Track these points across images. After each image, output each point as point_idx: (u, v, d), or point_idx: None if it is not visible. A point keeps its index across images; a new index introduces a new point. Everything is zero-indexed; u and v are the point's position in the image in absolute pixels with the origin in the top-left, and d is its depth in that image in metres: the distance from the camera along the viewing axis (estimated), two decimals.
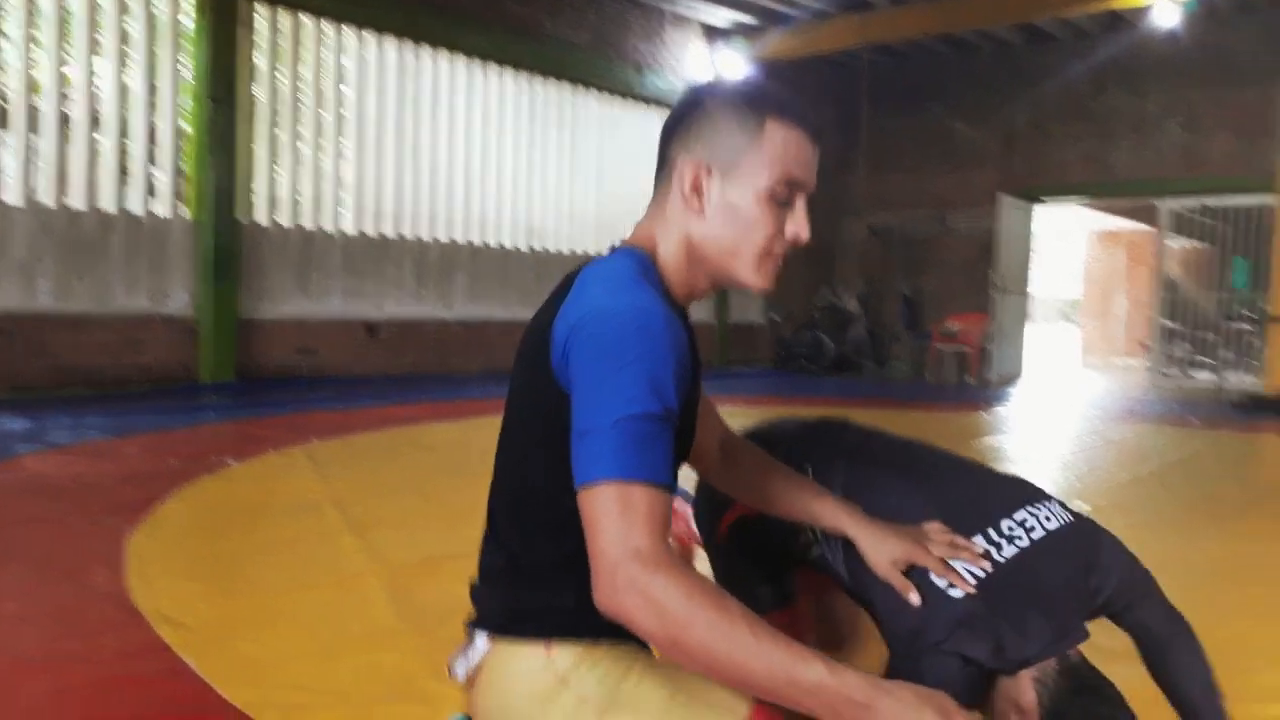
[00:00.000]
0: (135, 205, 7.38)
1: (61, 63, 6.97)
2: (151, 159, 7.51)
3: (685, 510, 2.15)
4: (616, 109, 11.23)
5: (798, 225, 1.24)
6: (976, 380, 11.31)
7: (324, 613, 2.54)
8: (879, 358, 12.43)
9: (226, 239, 7.71)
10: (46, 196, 6.91)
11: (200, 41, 7.56)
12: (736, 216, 1.21)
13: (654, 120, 11.57)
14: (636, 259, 1.23)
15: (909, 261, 12.38)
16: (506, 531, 1.26)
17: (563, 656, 1.19)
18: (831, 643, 1.80)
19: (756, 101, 1.22)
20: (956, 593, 1.32)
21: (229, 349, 7.78)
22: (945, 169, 12.22)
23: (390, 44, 9.04)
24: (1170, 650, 1.49)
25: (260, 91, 8.06)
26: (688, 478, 1.35)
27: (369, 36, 8.86)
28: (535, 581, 1.22)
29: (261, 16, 8.01)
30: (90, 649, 2.19)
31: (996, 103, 12.01)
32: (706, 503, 1.75)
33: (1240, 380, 11.74)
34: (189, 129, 7.67)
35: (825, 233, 12.47)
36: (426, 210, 9.48)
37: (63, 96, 6.98)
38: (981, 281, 11.93)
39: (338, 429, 5.59)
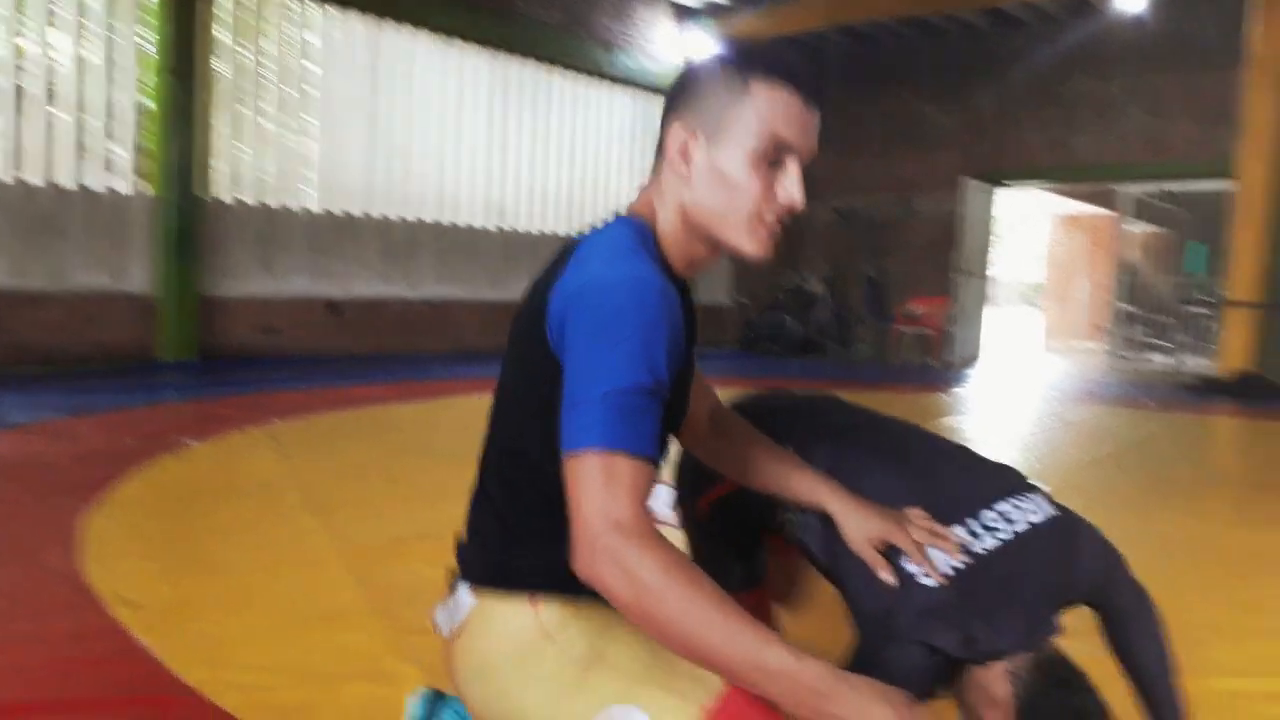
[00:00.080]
0: (94, 181, 7.26)
1: (16, 34, 6.83)
2: (110, 134, 7.39)
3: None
4: (586, 89, 11.18)
5: (789, 189, 1.20)
6: (938, 362, 11.42)
7: (285, 593, 2.53)
8: (843, 339, 12.52)
9: (188, 216, 7.61)
10: (2, 172, 6.78)
11: (161, 14, 7.44)
12: (724, 181, 1.19)
13: (624, 100, 11.54)
14: (635, 228, 1.23)
15: (873, 244, 12.45)
16: (497, 494, 1.28)
17: (548, 612, 1.20)
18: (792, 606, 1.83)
19: (742, 62, 1.20)
20: (929, 581, 1.31)
21: (190, 327, 7.70)
22: (910, 152, 12.28)
23: (356, 19, 8.92)
24: (1133, 626, 1.50)
25: (223, 66, 7.94)
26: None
27: (334, 11, 8.74)
28: (524, 540, 1.23)
29: None
30: (42, 630, 2.18)
31: (962, 87, 12.07)
32: (689, 479, 1.75)
33: (1195, 363, 11.95)
34: (150, 104, 7.55)
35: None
36: (392, 189, 9.39)
37: (18, 69, 6.84)
38: (944, 264, 12.03)
39: (301, 409, 5.56)
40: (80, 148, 7.21)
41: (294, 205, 8.60)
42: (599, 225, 1.27)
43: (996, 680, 1.32)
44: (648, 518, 1.06)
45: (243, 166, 8.23)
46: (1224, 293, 10.00)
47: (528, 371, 1.22)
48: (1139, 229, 14.54)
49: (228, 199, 8.08)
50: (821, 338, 12.36)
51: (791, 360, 11.35)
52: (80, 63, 7.17)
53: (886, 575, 1.36)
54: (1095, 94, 11.20)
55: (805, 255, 13.06)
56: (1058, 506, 1.45)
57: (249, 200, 8.26)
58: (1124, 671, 1.52)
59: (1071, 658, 1.37)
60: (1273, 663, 2.27)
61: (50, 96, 7.02)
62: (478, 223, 10.19)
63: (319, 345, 8.68)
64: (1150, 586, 1.48)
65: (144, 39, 7.50)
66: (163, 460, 4.00)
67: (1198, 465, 5.68)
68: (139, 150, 7.55)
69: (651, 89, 11.57)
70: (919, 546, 1.36)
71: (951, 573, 1.31)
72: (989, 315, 13.25)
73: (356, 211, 9.08)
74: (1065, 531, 1.42)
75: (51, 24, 6.99)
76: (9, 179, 6.79)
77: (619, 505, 1.04)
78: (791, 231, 12.76)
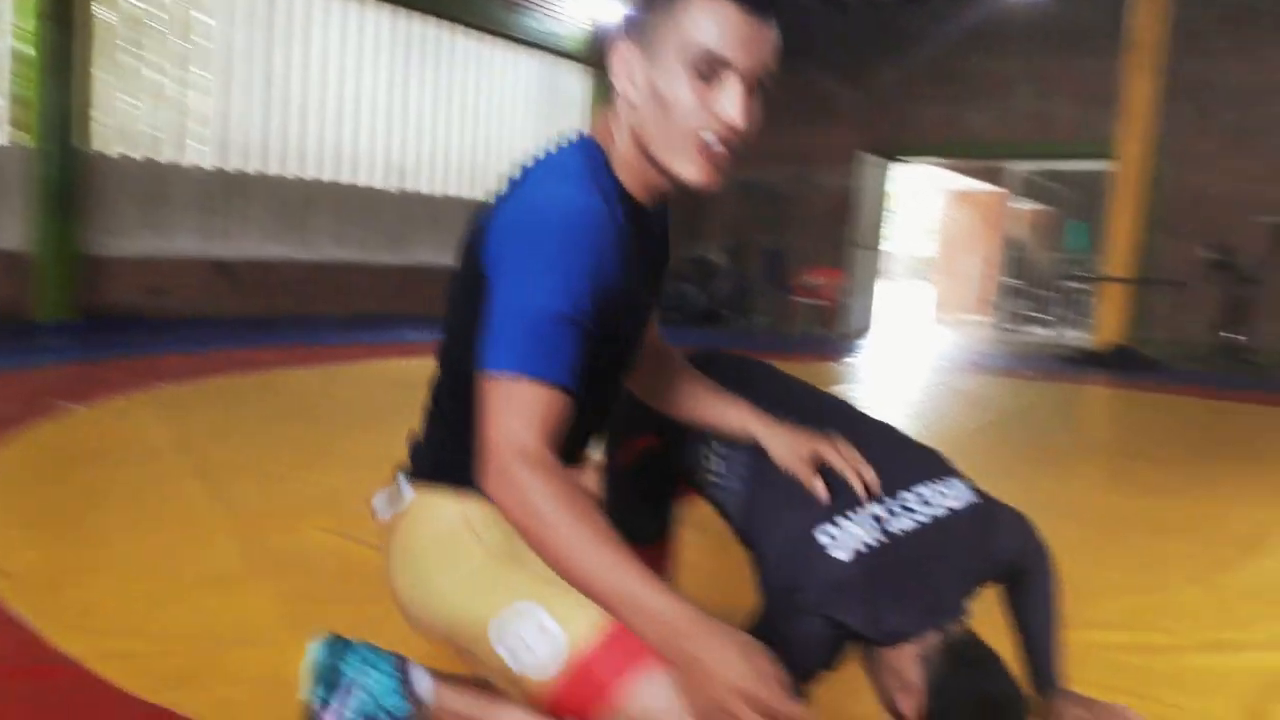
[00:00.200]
0: None
1: None
2: None
3: None
4: (490, 50, 10.98)
5: (725, 107, 1.13)
6: (833, 332, 11.68)
7: (168, 560, 2.48)
8: (743, 310, 12.68)
9: (67, 169, 7.26)
10: None
11: None
12: (660, 100, 1.14)
13: (529, 63, 11.39)
14: (586, 152, 1.22)
15: (773, 216, 12.61)
16: (444, 402, 1.31)
17: (476, 509, 1.24)
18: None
19: None
20: (841, 554, 1.30)
21: (70, 286, 7.37)
22: (810, 126, 12.45)
23: None
24: (1033, 588, 1.55)
25: (106, 13, 7.57)
26: None
27: None
28: (463, 443, 1.24)
29: None
30: None
31: (862, 62, 12.26)
32: (618, 425, 1.73)
33: (1074, 336, 12.49)
34: (27, 50, 7.15)
35: None
36: (287, 146, 9.11)
37: None
38: (840, 237, 12.28)
39: (188, 373, 5.39)
40: None
41: (182, 161, 8.27)
42: (553, 147, 1.25)
43: (908, 664, 1.33)
44: (551, 446, 1.09)
45: (128, 119, 7.87)
46: (1101, 269, 10.46)
47: (467, 290, 1.23)
48: (1025, 207, 15.06)
49: (111, 153, 7.73)
50: (722, 308, 12.50)
51: (693, 330, 11.46)
52: None
53: (820, 489, 1.39)
54: (988, 74, 11.51)
55: (707, 226, 13.16)
56: (979, 494, 1.47)
57: (134, 155, 7.91)
58: (1013, 626, 1.58)
59: (983, 640, 1.38)
60: (1133, 616, 2.42)
61: None
62: (376, 183, 9.97)
63: (209, 307, 8.41)
64: None
65: None
66: (40, 425, 3.84)
67: (1073, 433, 5.96)
68: (15, 100, 7.16)
69: (558, 52, 11.45)
70: (848, 464, 1.40)
71: (864, 549, 1.31)
72: (882, 288, 13.60)
73: (248, 169, 8.79)
74: (983, 519, 1.44)
75: None
76: None
77: (522, 431, 1.07)
78: (694, 203, 12.82)
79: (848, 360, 8.91)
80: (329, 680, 1.43)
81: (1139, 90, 9.65)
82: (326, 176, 9.47)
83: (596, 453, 1.68)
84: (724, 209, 12.90)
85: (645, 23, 1.16)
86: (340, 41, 9.45)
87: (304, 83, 9.18)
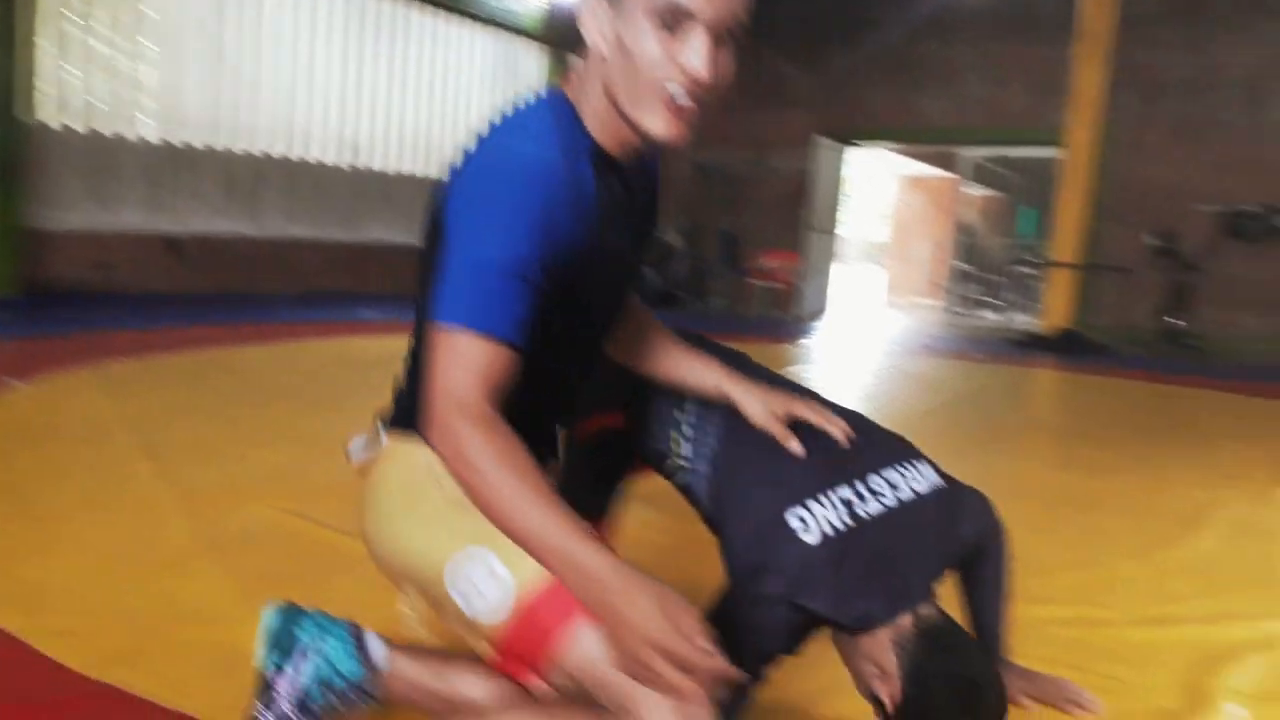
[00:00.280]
0: None
1: None
2: None
3: None
4: (446, 26, 10.84)
5: (690, 57, 1.11)
6: (788, 315, 11.76)
7: (114, 538, 2.44)
8: (699, 292, 12.72)
9: (9, 140, 7.06)
10: None
11: None
12: (626, 52, 1.13)
13: (485, 41, 11.26)
14: (553, 106, 1.21)
15: (729, 199, 12.64)
16: (419, 351, 1.31)
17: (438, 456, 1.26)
18: None
19: None
20: (809, 537, 1.31)
21: (11, 260, 7.18)
22: (766, 109, 12.47)
23: None
24: (988, 566, 1.59)
25: None
26: None
27: None
28: None
29: None
30: None
31: (818, 46, 12.29)
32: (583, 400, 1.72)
33: (1023, 320, 12.69)
34: None
35: None
36: (237, 121, 8.93)
37: None
38: (795, 221, 12.34)
39: (136, 349, 5.30)
40: None
41: (129, 134, 8.09)
42: (519, 104, 1.25)
43: (883, 650, 1.34)
44: (491, 400, 1.11)
45: (72, 90, 7.67)
46: (1049, 255, 10.63)
47: (431, 244, 1.24)
48: (976, 192, 15.25)
49: (54, 124, 7.54)
50: (678, 290, 12.52)
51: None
52: None
53: (795, 446, 1.41)
54: (941, 60, 11.59)
55: (664, 208, 13.14)
56: (944, 477, 1.49)
57: (78, 127, 7.72)
58: (965, 601, 1.61)
59: (956, 623, 1.40)
60: (1074, 591, 2.48)
61: None
62: (328, 159, 9.82)
63: (157, 284, 8.24)
64: None
65: None
66: None
67: (1021, 414, 6.07)
68: None
69: (514, 30, 11.35)
70: (821, 416, 1.44)
71: (832, 533, 1.32)
72: (837, 272, 13.70)
73: (197, 143, 8.61)
74: (949, 502, 1.47)
75: None
76: None
77: (461, 384, 1.10)
78: None
79: (802, 342, 8.98)
80: (283, 646, 1.43)
81: (1088, 79, 9.80)
82: (278, 152, 9.32)
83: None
84: (680, 191, 12.89)
85: None
86: (293, 14, 9.28)
87: (256, 56, 9.00)
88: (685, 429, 1.56)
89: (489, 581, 1.17)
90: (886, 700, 1.34)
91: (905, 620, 1.34)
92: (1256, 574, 2.73)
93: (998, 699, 1.33)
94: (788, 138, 12.38)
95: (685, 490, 1.57)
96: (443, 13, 10.69)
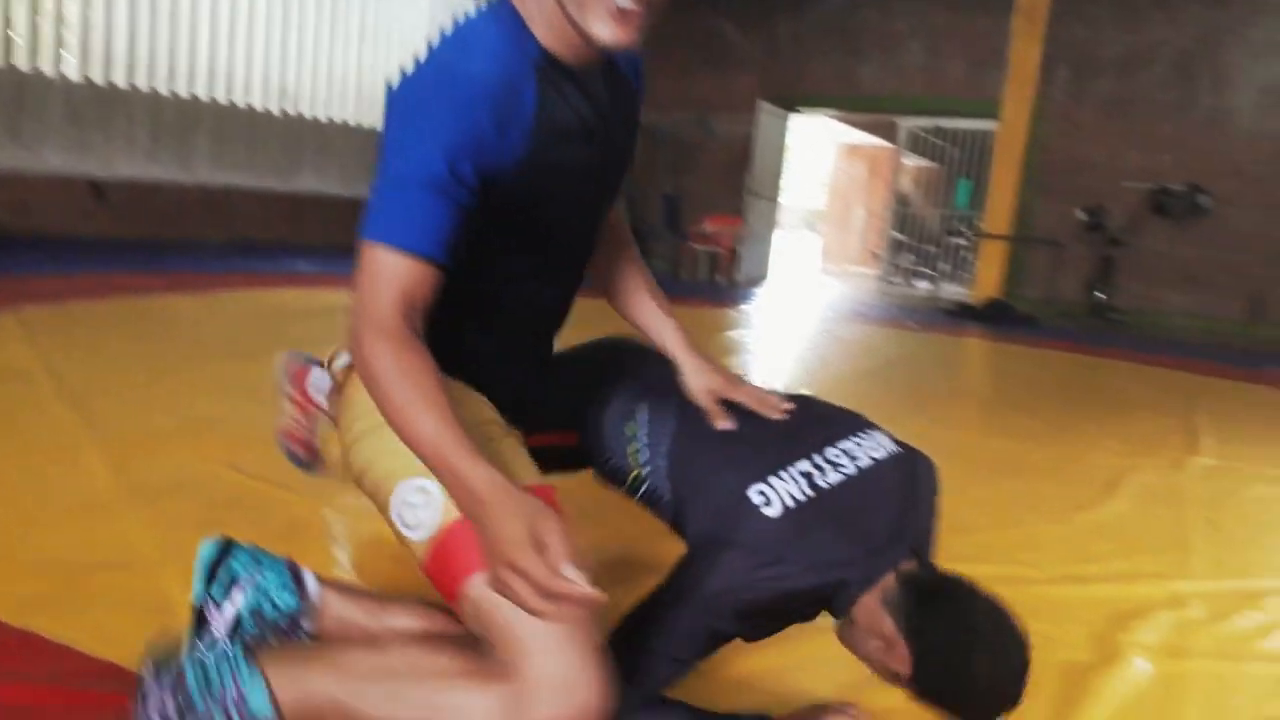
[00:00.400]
0: None
1: None
2: None
3: (309, 373, 2.17)
4: None
5: None
6: (727, 280, 11.80)
7: (33, 483, 2.37)
8: (641, 254, 12.70)
9: None
10: None
11: None
12: None
13: None
14: (499, 19, 1.20)
15: (671, 162, 12.60)
16: None
17: None
18: None
19: None
20: (771, 511, 1.32)
21: None
22: (710, 72, 12.43)
23: None
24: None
25: None
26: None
27: None
28: None
29: None
30: None
31: (763, 10, 12.25)
32: (536, 410, 1.68)
33: (954, 290, 12.91)
34: None
35: None
36: (164, 60, 8.63)
37: None
38: (738, 186, 12.35)
39: (55, 295, 5.13)
40: None
41: (49, 70, 7.77)
42: (462, 17, 1.23)
43: (877, 618, 1.32)
44: (404, 314, 1.11)
45: None
46: (982, 226, 10.81)
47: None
48: (913, 162, 15.41)
49: None
50: None
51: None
52: None
53: (723, 423, 1.43)
54: (882, 28, 11.63)
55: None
56: (899, 443, 1.52)
57: None
58: None
59: (937, 566, 1.40)
60: (995, 551, 2.55)
61: None
62: (259, 104, 9.55)
63: (79, 228, 7.97)
64: None
65: None
66: None
67: (948, 379, 6.20)
68: None
69: None
70: (760, 402, 1.46)
71: (793, 504, 1.33)
72: (777, 238, 13.76)
73: (122, 82, 8.30)
74: (907, 465, 1.49)
75: None
76: None
77: (374, 299, 1.10)
78: None
79: (741, 307, 9.03)
80: (219, 577, 1.42)
81: (1024, 53, 9.93)
82: (205, 94, 9.01)
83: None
84: None
85: None
86: None
87: None
88: (640, 438, 1.55)
89: (422, 500, 1.21)
90: (902, 670, 1.31)
91: (889, 580, 1.34)
92: (1168, 537, 2.83)
93: (1005, 627, 1.30)
94: (732, 102, 12.35)
95: (650, 500, 1.54)
96: None
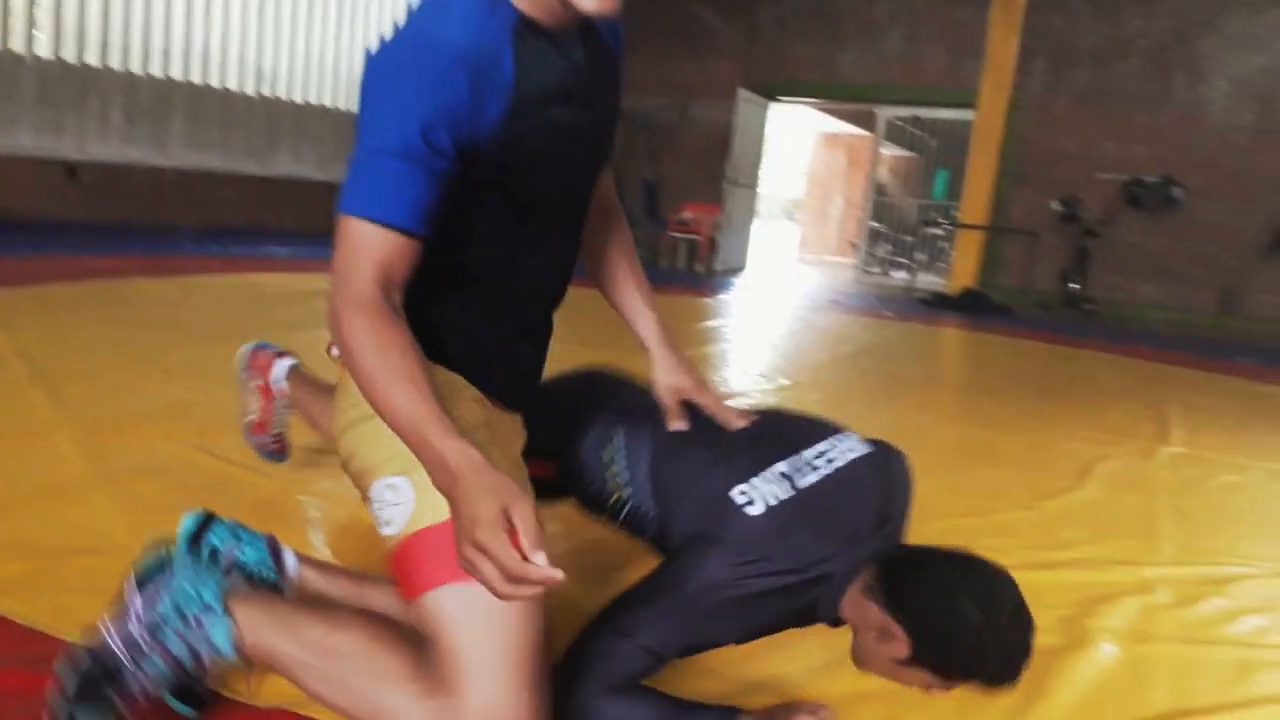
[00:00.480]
0: None
1: None
2: None
3: (274, 363, 2.18)
4: None
5: None
6: (704, 268, 11.81)
7: (2, 466, 2.35)
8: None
9: None
10: None
11: None
12: None
13: None
14: None
15: (651, 148, 12.58)
16: None
17: None
18: None
19: None
20: (754, 510, 1.35)
21: None
22: (690, 58, 12.39)
23: None
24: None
25: None
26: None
27: None
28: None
29: None
30: None
31: None
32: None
33: (931, 280, 12.98)
34: None
35: None
36: (139, 40, 8.51)
37: None
38: (717, 173, 12.33)
39: (29, 278, 5.08)
40: None
41: (20, 48, 7.65)
42: None
43: (865, 610, 1.34)
44: (380, 287, 1.10)
45: None
46: (959, 216, 10.86)
47: None
48: (891, 152, 15.46)
49: None
50: None
51: None
52: None
53: (678, 424, 1.46)
54: (862, 15, 11.63)
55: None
56: (871, 442, 1.56)
57: None
58: None
59: (918, 546, 1.41)
60: (965, 536, 2.52)
61: None
62: (235, 86, 9.44)
63: (52, 211, 7.88)
64: None
65: None
66: None
67: (923, 367, 6.24)
68: None
69: None
70: (717, 406, 1.48)
71: (774, 503, 1.36)
72: (756, 228, 13.76)
73: (96, 62, 8.18)
74: (881, 461, 1.53)
75: None
76: None
77: (351, 273, 1.09)
78: None
79: (719, 296, 9.05)
80: (198, 551, 1.47)
81: (1002, 43, 9.97)
82: (180, 75, 8.91)
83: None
84: None
85: None
86: None
87: None
88: (619, 461, 1.56)
89: (392, 500, 1.22)
90: (903, 655, 1.31)
91: (870, 570, 1.36)
92: (1137, 524, 2.87)
93: (985, 572, 1.31)
94: (712, 88, 12.32)
95: (634, 521, 1.55)
96: None
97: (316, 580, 1.50)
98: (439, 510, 1.15)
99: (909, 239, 14.40)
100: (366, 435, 1.27)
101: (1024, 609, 1.31)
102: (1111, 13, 10.34)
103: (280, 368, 2.20)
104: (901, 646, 1.30)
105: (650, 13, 12.33)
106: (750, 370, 4.86)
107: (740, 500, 1.36)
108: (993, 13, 9.95)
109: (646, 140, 12.49)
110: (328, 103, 10.31)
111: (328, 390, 2.10)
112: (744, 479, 1.39)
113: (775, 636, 1.49)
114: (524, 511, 0.99)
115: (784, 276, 12.76)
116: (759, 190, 13.37)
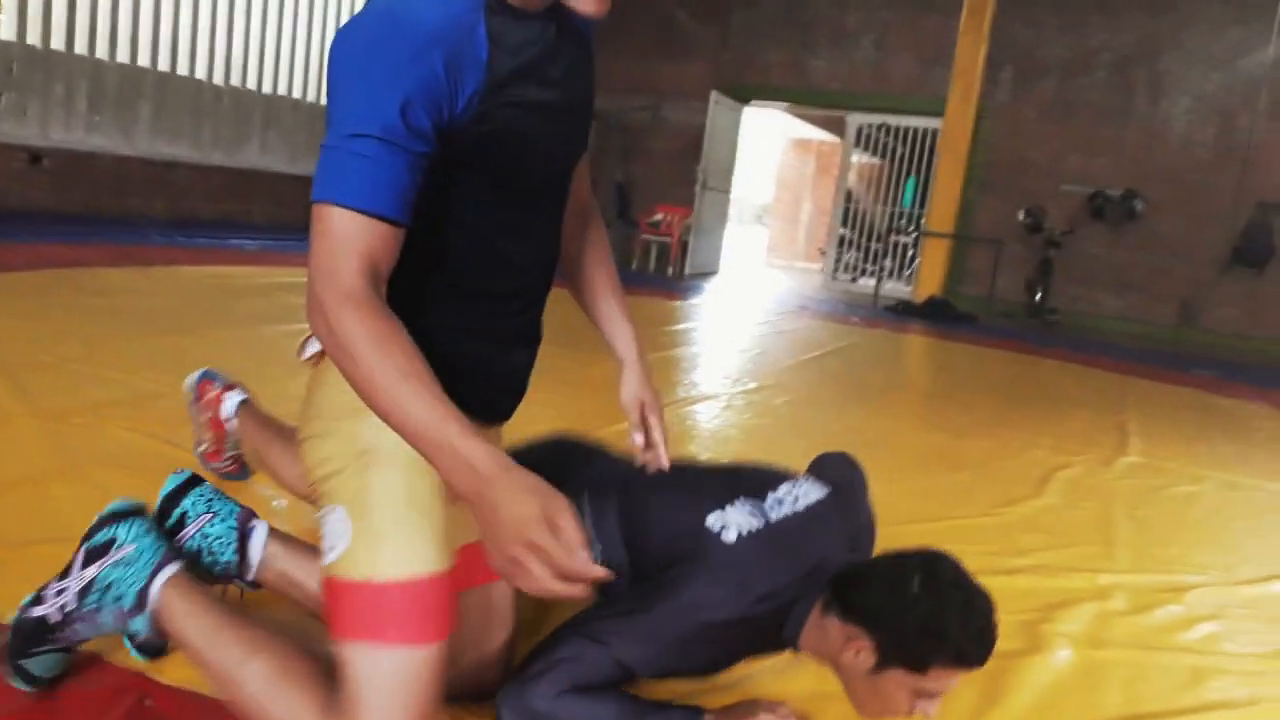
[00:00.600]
0: None
1: None
2: None
3: (223, 399, 2.17)
4: None
5: None
6: (675, 271, 11.83)
7: None
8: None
9: None
10: None
11: None
12: None
13: None
14: None
15: (623, 148, 12.58)
16: None
17: None
18: None
19: None
20: (728, 536, 1.39)
21: None
22: (664, 60, 12.42)
23: None
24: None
25: None
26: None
27: None
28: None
29: None
30: None
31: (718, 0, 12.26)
32: None
33: (897, 287, 13.08)
34: None
35: None
36: (105, 24, 8.37)
37: None
38: (688, 176, 12.36)
39: None
40: None
41: None
42: None
43: (826, 625, 1.38)
44: (365, 276, 1.05)
45: None
46: (924, 224, 10.97)
47: None
48: (861, 158, 15.56)
49: None
50: None
51: None
52: None
53: (638, 437, 1.50)
54: (833, 22, 11.70)
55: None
56: (829, 482, 1.61)
57: None
58: None
59: (853, 559, 1.48)
60: (928, 542, 2.57)
61: None
62: (202, 75, 9.33)
63: (12, 197, 7.73)
64: None
65: None
66: None
67: (887, 373, 6.30)
68: None
69: None
70: (659, 428, 1.52)
71: (748, 532, 1.40)
72: (728, 231, 13.80)
73: (60, 45, 8.03)
74: (845, 495, 1.59)
75: None
76: None
77: (335, 264, 1.04)
78: None
79: (691, 300, 9.07)
80: (170, 513, 1.54)
81: (970, 53, 10.09)
82: (147, 62, 8.78)
83: None
84: None
85: None
86: None
87: None
88: (586, 520, 1.55)
89: (332, 533, 1.22)
90: (874, 661, 1.32)
91: (826, 591, 1.40)
92: (1094, 532, 2.92)
93: (931, 560, 1.35)
94: (685, 90, 12.35)
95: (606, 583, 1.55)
96: None
97: (282, 558, 1.53)
98: (361, 566, 1.17)
99: (877, 246, 14.51)
100: (323, 451, 1.26)
101: (964, 574, 1.34)
102: (1076, 25, 10.49)
103: (230, 404, 2.17)
104: (868, 652, 1.33)
105: (624, 13, 12.33)
106: (719, 373, 4.89)
107: (715, 528, 1.40)
108: (962, 22, 10.06)
109: (619, 141, 12.49)
110: (297, 94, 10.22)
111: (279, 430, 2.07)
112: (717, 508, 1.44)
113: None
114: (566, 510, 1.00)
115: (753, 281, 12.81)
116: (731, 194, 13.41)
